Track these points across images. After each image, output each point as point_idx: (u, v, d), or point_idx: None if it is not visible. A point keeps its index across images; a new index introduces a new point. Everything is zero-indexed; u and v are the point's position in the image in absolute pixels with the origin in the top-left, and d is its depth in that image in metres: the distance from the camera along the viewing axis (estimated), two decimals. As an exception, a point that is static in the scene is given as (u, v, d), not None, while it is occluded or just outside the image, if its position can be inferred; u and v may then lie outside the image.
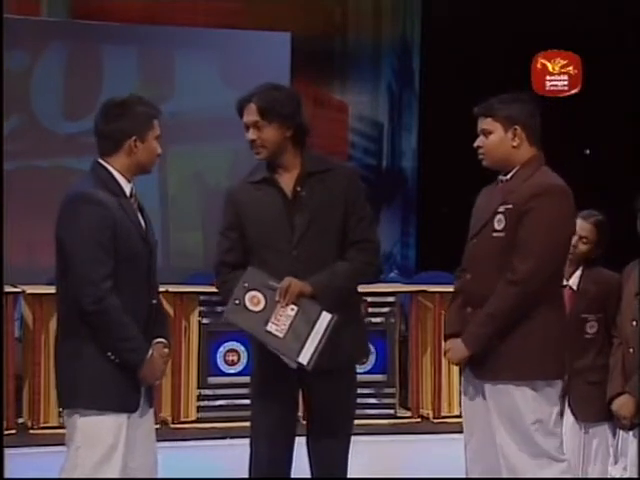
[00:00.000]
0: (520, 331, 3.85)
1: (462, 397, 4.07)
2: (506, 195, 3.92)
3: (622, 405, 4.38)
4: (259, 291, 3.77)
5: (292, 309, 3.77)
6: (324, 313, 3.78)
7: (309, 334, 3.75)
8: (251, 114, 3.89)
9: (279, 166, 3.92)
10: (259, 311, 3.76)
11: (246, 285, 3.77)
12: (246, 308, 3.75)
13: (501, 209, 3.90)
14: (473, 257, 4.00)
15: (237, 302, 3.75)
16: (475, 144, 4.01)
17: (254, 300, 3.77)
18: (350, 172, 4.05)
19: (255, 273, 3.80)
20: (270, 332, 3.73)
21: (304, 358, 3.73)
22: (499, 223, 3.90)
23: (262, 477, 3.99)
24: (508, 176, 3.97)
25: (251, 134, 3.89)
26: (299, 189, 3.89)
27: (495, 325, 3.85)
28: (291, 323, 3.75)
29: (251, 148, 3.92)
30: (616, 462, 4.57)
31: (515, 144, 3.94)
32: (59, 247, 3.63)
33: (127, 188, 3.70)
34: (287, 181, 3.91)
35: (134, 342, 3.59)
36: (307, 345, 3.74)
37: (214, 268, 3.99)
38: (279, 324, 3.74)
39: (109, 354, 3.57)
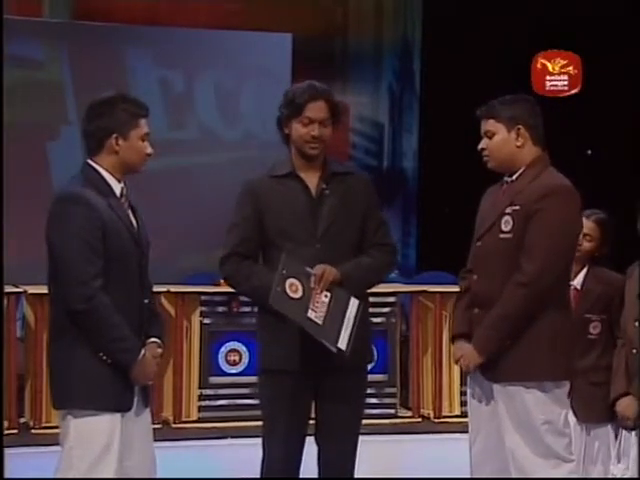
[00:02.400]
0: (528, 332, 3.84)
1: (468, 397, 4.06)
2: (513, 196, 3.91)
3: (626, 406, 4.38)
4: (296, 278, 3.79)
5: (326, 296, 3.81)
6: (352, 299, 3.85)
7: (343, 320, 3.80)
8: (321, 111, 3.95)
9: (307, 164, 3.99)
10: (298, 298, 3.77)
11: (284, 272, 3.77)
12: (287, 295, 3.76)
13: (508, 210, 3.89)
14: (480, 258, 3.99)
15: (278, 289, 3.75)
16: (479, 146, 4.00)
17: (293, 287, 3.78)
18: (367, 177, 4.19)
19: (291, 260, 3.81)
20: (311, 319, 3.76)
21: (342, 344, 3.77)
22: (506, 224, 3.89)
23: (269, 477, 3.99)
24: (514, 177, 3.96)
25: (317, 130, 3.94)
26: (324, 187, 3.97)
27: (505, 327, 3.84)
28: (327, 310, 3.80)
29: (304, 142, 3.94)
30: (619, 462, 4.57)
31: (519, 144, 3.93)
32: (49, 248, 3.64)
33: (117, 188, 3.69)
34: (311, 178, 3.99)
35: (126, 342, 3.59)
36: (342, 331, 3.79)
37: (222, 258, 3.99)
38: (317, 311, 3.78)
39: (101, 354, 3.57)
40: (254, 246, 3.96)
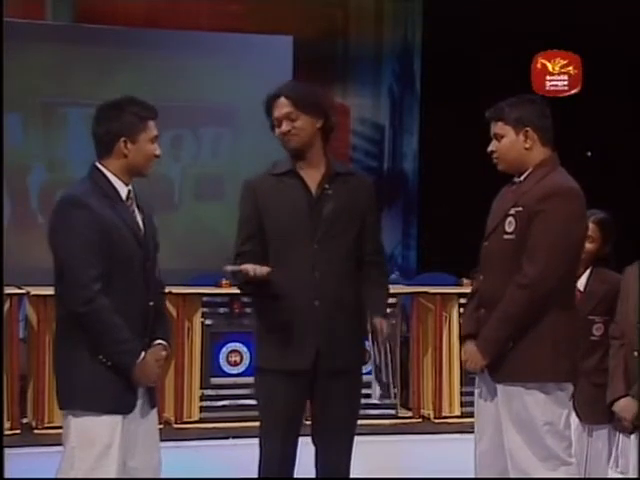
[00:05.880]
0: (531, 333, 3.84)
1: (475, 397, 4.07)
2: (518, 197, 3.91)
3: (625, 407, 4.38)
4: None
5: None
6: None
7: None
8: (282, 107, 3.93)
9: (305, 161, 3.98)
10: None
11: None
12: None
13: (512, 211, 3.90)
14: (485, 259, 4.01)
15: None
16: (488, 149, 4.00)
17: None
18: (370, 181, 4.18)
19: None
20: None
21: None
22: (510, 225, 3.89)
23: (268, 477, 4.00)
24: (522, 178, 3.97)
25: (284, 126, 3.93)
26: (327, 187, 3.96)
27: (507, 329, 3.85)
28: None
29: (282, 141, 3.96)
30: (617, 466, 4.57)
31: (527, 146, 3.93)
32: (52, 251, 3.66)
33: (123, 191, 3.71)
34: (312, 177, 3.97)
35: (125, 344, 3.60)
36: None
37: (232, 258, 3.99)
38: None
39: (101, 357, 3.59)
40: (259, 243, 3.95)
